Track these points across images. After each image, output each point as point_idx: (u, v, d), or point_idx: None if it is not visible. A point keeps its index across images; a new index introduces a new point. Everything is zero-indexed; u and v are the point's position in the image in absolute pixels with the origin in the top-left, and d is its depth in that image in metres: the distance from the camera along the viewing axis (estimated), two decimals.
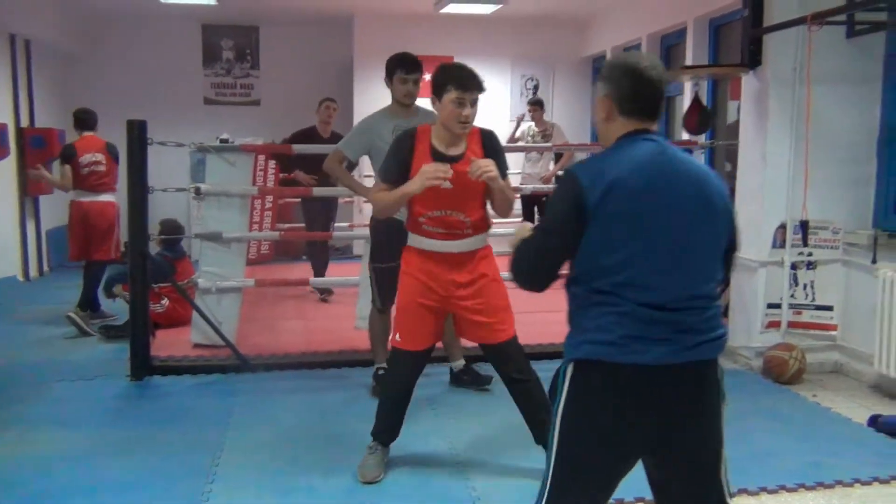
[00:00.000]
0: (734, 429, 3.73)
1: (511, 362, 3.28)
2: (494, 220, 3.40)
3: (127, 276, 4.91)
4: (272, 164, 8.33)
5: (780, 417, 4.09)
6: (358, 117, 9.20)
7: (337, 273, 7.00)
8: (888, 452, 3.61)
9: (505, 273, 2.47)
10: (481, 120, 3.33)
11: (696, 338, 1.84)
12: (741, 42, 4.97)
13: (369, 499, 3.15)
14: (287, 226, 8.94)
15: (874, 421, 3.90)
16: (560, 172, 7.51)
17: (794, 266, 4.86)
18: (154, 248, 5.64)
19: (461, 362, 4.53)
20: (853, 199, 4.87)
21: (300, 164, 6.73)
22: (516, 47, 9.40)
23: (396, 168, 3.24)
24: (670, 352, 1.81)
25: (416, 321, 3.26)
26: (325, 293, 6.92)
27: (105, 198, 5.96)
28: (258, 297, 6.75)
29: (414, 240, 3.31)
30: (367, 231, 4.57)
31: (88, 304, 5.94)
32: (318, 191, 6.44)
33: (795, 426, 3.96)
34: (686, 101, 6.28)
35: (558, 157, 8.04)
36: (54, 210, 8.21)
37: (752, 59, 4.86)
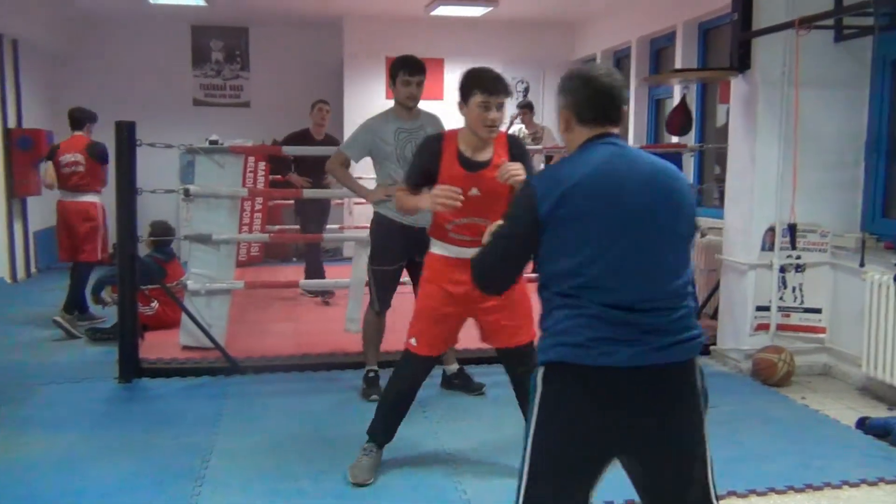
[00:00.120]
0: (723, 431, 3.79)
1: (526, 364, 3.28)
2: None
3: (116, 278, 4.88)
4: (262, 165, 8.31)
5: (768, 420, 4.11)
6: (348, 119, 9.28)
7: (333, 275, 6.96)
8: (876, 454, 3.63)
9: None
10: None
11: (664, 339, 1.83)
12: (730, 46, 4.99)
13: (359, 502, 3.13)
14: (277, 228, 8.93)
15: (862, 423, 3.93)
16: None
17: (782, 269, 4.88)
18: (144, 250, 5.62)
19: (455, 366, 4.53)
20: (841, 203, 4.90)
21: (295, 167, 6.73)
22: (507, 50, 9.41)
23: (419, 171, 3.26)
24: (638, 353, 1.81)
25: (435, 328, 3.27)
26: (326, 295, 6.86)
27: (86, 198, 5.91)
28: (247, 300, 6.73)
29: (439, 246, 3.28)
30: (357, 233, 4.58)
31: (75, 306, 5.90)
32: (309, 193, 6.45)
33: (784, 428, 3.98)
34: (675, 104, 6.30)
35: (549, 159, 8.05)
36: (42, 211, 8.16)
37: (741, 62, 4.89)
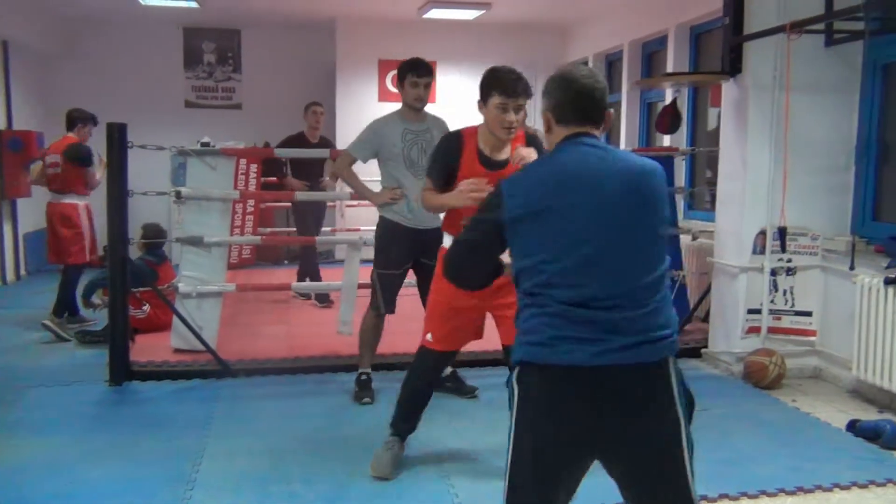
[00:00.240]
0: (714, 434, 3.81)
1: None
2: None
3: (107, 281, 4.86)
4: (254, 168, 8.28)
5: (759, 422, 4.12)
6: (340, 122, 9.27)
7: (326, 278, 6.92)
8: (866, 457, 3.64)
9: None
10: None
11: (629, 338, 1.80)
12: (721, 50, 5.01)
13: None
14: (269, 230, 8.90)
15: (852, 426, 3.94)
16: None
17: (773, 272, 4.90)
18: (135, 253, 5.59)
19: (448, 369, 4.52)
20: (832, 206, 4.92)
21: (292, 170, 6.72)
22: (499, 53, 9.37)
23: (443, 169, 3.27)
24: (600, 352, 1.79)
25: (448, 323, 3.29)
26: (325, 301, 6.82)
27: (66, 200, 5.87)
28: (239, 302, 6.71)
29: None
30: (349, 236, 4.57)
31: (65, 308, 5.86)
32: (301, 196, 6.43)
33: (775, 431, 3.99)
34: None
35: None
36: (32, 213, 8.11)
37: (733, 66, 4.91)
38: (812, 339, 4.92)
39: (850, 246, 4.54)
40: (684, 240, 6.09)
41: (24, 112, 8.41)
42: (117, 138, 4.66)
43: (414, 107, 4.17)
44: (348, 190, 7.28)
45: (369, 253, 5.58)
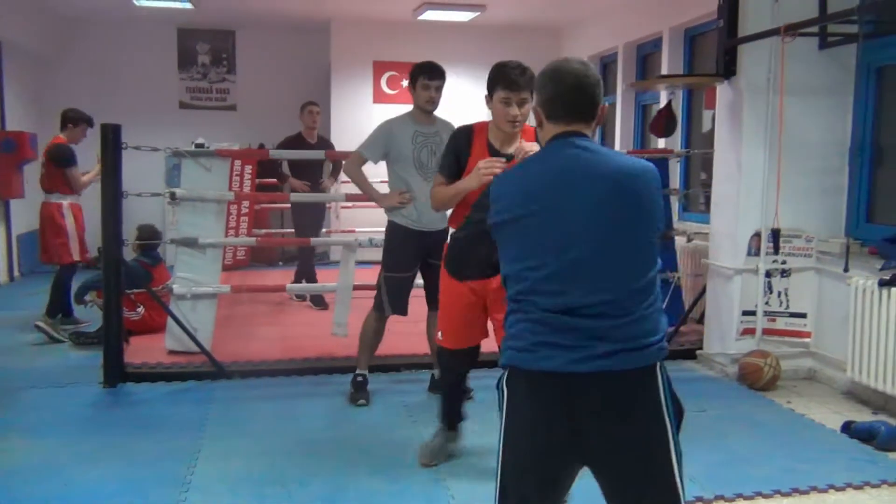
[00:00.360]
0: (710, 435, 3.82)
1: None
2: None
3: (101, 283, 4.84)
4: (248, 169, 8.28)
5: (755, 424, 4.12)
6: (335, 123, 9.26)
7: (322, 279, 6.91)
8: (861, 458, 3.65)
9: None
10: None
11: (611, 345, 1.75)
12: (716, 52, 5.02)
13: None
14: (263, 231, 8.90)
15: (847, 427, 3.95)
16: None
17: (768, 274, 4.91)
18: (130, 254, 5.57)
19: None
20: (826, 208, 4.94)
21: (293, 171, 6.71)
22: (494, 55, 9.33)
23: (454, 162, 3.30)
24: (579, 359, 1.75)
25: (455, 321, 3.34)
26: (321, 304, 6.79)
27: (51, 199, 5.84)
28: (234, 304, 6.69)
29: None
30: (344, 237, 4.57)
31: (58, 309, 5.82)
32: (296, 198, 6.43)
33: (770, 432, 4.00)
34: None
35: None
36: (25, 214, 8.08)
37: (727, 68, 4.92)
38: (806, 340, 4.93)
39: (845, 248, 4.55)
40: (679, 242, 6.11)
41: (18, 113, 8.38)
42: (111, 139, 4.65)
43: (425, 109, 4.18)
44: (343, 191, 7.33)
45: (364, 255, 5.60)
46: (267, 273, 8.53)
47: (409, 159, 4.15)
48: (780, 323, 4.95)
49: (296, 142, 6.67)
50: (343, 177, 7.22)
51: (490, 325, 3.39)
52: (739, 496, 3.22)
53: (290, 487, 3.27)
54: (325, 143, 6.97)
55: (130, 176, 4.86)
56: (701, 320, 5.54)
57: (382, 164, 4.31)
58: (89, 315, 5.93)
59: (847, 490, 3.31)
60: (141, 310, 5.65)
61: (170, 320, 5.00)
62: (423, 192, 3.95)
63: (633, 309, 1.79)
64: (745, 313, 4.94)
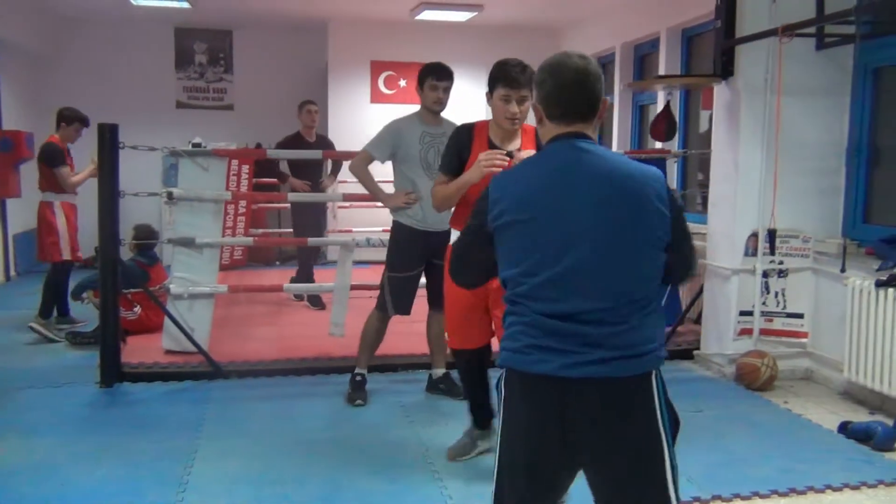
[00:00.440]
0: (707, 436, 3.82)
1: None
2: None
3: (98, 282, 4.83)
4: (245, 169, 8.27)
5: (752, 424, 4.13)
6: (332, 123, 9.25)
7: (320, 279, 6.89)
8: (858, 458, 3.66)
9: None
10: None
11: (607, 353, 1.73)
12: (713, 52, 5.03)
13: None
14: (261, 231, 8.89)
15: (844, 427, 3.96)
16: None
17: (765, 274, 4.92)
18: (127, 254, 5.56)
19: (441, 370, 4.52)
20: (823, 209, 4.95)
21: (293, 171, 6.68)
22: (491, 55, 9.33)
23: (455, 159, 3.32)
24: (572, 364, 1.73)
25: (459, 321, 3.36)
26: (318, 305, 6.79)
27: (43, 198, 5.83)
28: (231, 303, 6.68)
29: None
30: (341, 237, 4.56)
31: (51, 309, 5.78)
32: (294, 196, 6.42)
33: (767, 433, 4.00)
34: (660, 110, 6.34)
35: None
36: (22, 213, 8.06)
37: (725, 69, 4.93)
38: (803, 340, 4.94)
39: (841, 248, 4.56)
40: None
41: (15, 112, 8.35)
42: (108, 139, 4.64)
43: (432, 110, 4.18)
44: (341, 191, 7.32)
45: (361, 255, 5.59)
46: (264, 273, 8.52)
47: (417, 159, 4.15)
48: (777, 323, 4.95)
49: (295, 141, 6.65)
50: (342, 176, 7.24)
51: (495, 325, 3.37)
52: (737, 496, 3.22)
53: (288, 487, 3.26)
54: (324, 142, 6.95)
55: (127, 175, 4.84)
56: (698, 320, 5.55)
57: (381, 165, 4.31)
58: (86, 315, 5.92)
59: (844, 490, 3.32)
60: (138, 309, 5.64)
61: (167, 320, 4.99)
62: (430, 192, 3.96)
63: (631, 317, 1.76)
64: (743, 313, 4.95)
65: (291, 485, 3.29)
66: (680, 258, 1.93)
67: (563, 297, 1.76)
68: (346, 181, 7.48)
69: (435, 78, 4.13)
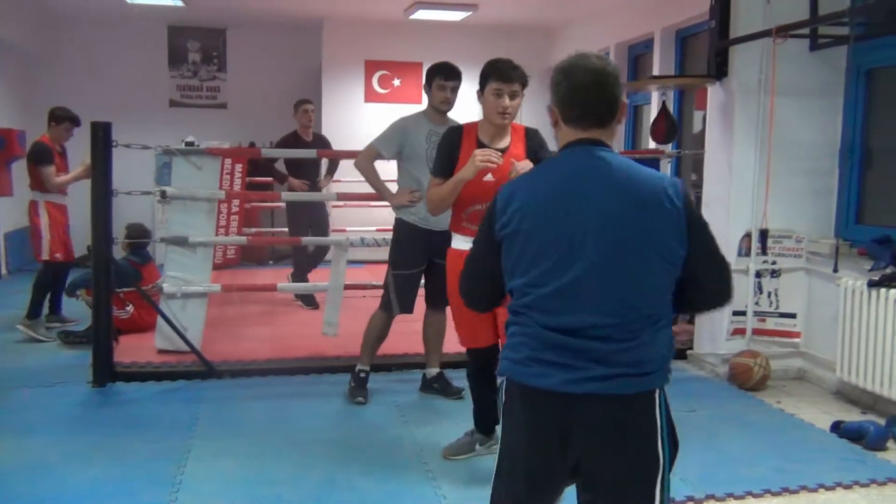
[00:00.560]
0: (700, 435, 3.82)
1: None
2: None
3: (90, 281, 4.81)
4: (238, 167, 8.25)
5: (745, 423, 4.14)
6: (327, 122, 9.23)
7: (313, 279, 6.87)
8: (850, 458, 3.67)
9: None
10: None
11: (610, 370, 1.68)
12: (708, 53, 5.04)
13: None
14: (254, 230, 8.87)
15: (836, 427, 3.97)
16: None
17: (758, 274, 4.93)
18: (119, 253, 5.54)
19: (435, 370, 4.52)
20: (816, 209, 4.96)
21: (291, 170, 6.66)
22: (486, 54, 9.31)
23: (446, 160, 3.33)
24: (574, 380, 1.68)
25: (466, 321, 3.37)
26: (310, 302, 6.77)
27: (31, 197, 5.80)
28: (224, 303, 6.66)
29: (458, 240, 3.38)
30: (336, 236, 4.54)
31: (38, 310, 5.73)
32: (288, 195, 6.41)
33: (760, 432, 4.01)
34: (653, 110, 6.36)
35: None
36: (14, 212, 8.02)
37: (719, 70, 4.94)
38: (796, 340, 4.95)
39: (834, 248, 4.58)
40: None
41: (7, 110, 8.31)
42: (102, 137, 4.62)
43: (440, 109, 4.18)
44: (335, 191, 7.30)
45: (355, 254, 5.60)
46: (257, 272, 8.50)
47: (423, 158, 4.14)
48: (770, 323, 4.97)
49: (292, 140, 6.63)
50: (335, 175, 7.23)
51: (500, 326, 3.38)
52: (730, 496, 3.23)
53: (281, 487, 3.26)
54: (321, 141, 6.93)
55: (118, 174, 4.82)
56: (691, 320, 5.55)
57: (380, 164, 4.30)
58: (77, 313, 5.89)
59: (837, 489, 3.33)
60: (130, 308, 5.62)
61: (160, 319, 4.97)
62: None
63: (640, 333, 1.70)
64: (736, 313, 4.96)
65: (285, 485, 3.28)
66: (706, 278, 1.81)
67: (570, 310, 1.71)
68: (340, 180, 7.48)
69: (443, 78, 4.13)
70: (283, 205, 7.70)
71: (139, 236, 5.85)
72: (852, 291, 4.34)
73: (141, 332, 5.52)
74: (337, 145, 7.24)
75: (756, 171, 4.87)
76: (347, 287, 5.07)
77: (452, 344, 4.44)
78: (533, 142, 3.37)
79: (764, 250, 4.89)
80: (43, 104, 6.26)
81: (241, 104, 9.95)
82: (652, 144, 6.94)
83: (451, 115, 4.25)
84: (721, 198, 5.04)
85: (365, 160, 4.28)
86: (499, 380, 1.88)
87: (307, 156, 6.32)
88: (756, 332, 4.96)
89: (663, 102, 5.98)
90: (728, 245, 4.93)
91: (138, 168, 7.25)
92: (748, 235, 4.92)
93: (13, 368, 4.95)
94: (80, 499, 3.13)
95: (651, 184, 1.74)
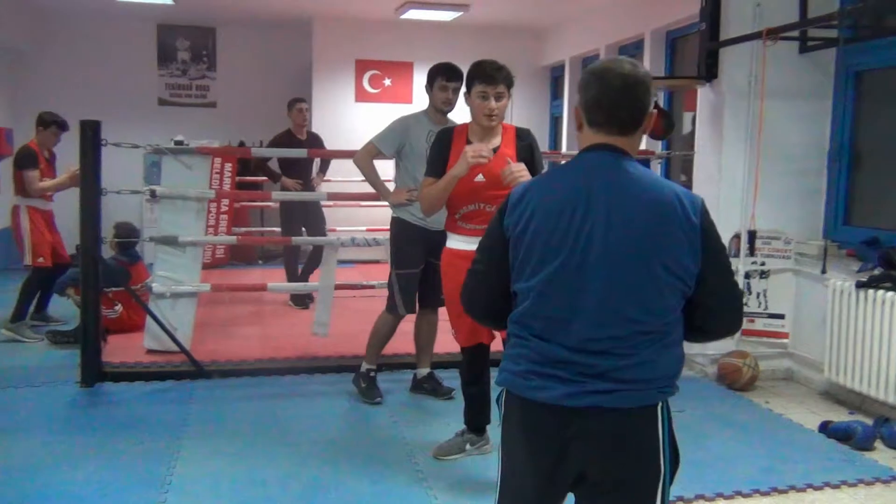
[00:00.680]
0: (690, 435, 3.83)
1: None
2: None
3: (79, 280, 4.78)
4: (228, 167, 8.22)
5: (734, 424, 4.16)
6: (316, 122, 9.20)
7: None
8: (838, 458, 3.70)
9: None
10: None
11: (610, 384, 1.64)
12: (698, 55, 5.06)
13: None
14: (243, 230, 8.84)
15: (825, 427, 4.00)
16: None
17: (747, 275, 4.96)
18: (108, 252, 5.51)
19: (426, 370, 4.51)
20: (805, 211, 5.00)
21: (284, 170, 6.62)
22: (476, 55, 9.31)
23: (440, 161, 3.34)
24: (574, 393, 1.65)
25: (460, 319, 3.36)
26: (300, 302, 6.74)
27: (12, 200, 5.76)
28: (212, 302, 6.64)
29: (452, 240, 3.39)
30: (325, 237, 4.52)
31: (22, 314, 5.67)
32: (278, 195, 6.39)
33: (749, 432, 4.04)
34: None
35: None
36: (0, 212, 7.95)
37: (709, 71, 4.96)
38: (784, 341, 4.98)
39: (822, 250, 4.61)
40: None
41: None
42: (91, 136, 4.59)
43: (441, 110, 4.17)
44: (325, 190, 7.27)
45: (346, 254, 5.58)
46: (246, 272, 8.47)
47: (422, 157, 4.12)
48: (759, 324, 4.99)
49: (286, 139, 6.60)
50: (327, 175, 7.21)
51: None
52: (720, 495, 3.25)
53: (271, 488, 3.25)
54: (315, 140, 6.90)
55: (106, 173, 4.79)
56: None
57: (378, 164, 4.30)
58: (65, 313, 5.85)
59: (825, 489, 3.35)
60: (119, 308, 5.59)
61: (149, 319, 4.95)
62: None
63: (641, 349, 1.66)
64: None
65: (275, 485, 3.27)
66: (716, 301, 1.75)
67: (570, 320, 1.67)
68: (330, 180, 7.47)
69: (445, 78, 4.12)
70: (272, 204, 7.68)
71: (128, 235, 5.81)
72: (840, 292, 4.37)
73: (130, 331, 5.49)
74: (327, 145, 7.22)
75: (745, 172, 4.90)
76: (338, 287, 5.06)
77: (443, 345, 4.46)
78: (524, 141, 3.37)
79: (752, 251, 4.91)
80: (30, 103, 6.23)
81: (231, 103, 9.90)
82: (643, 144, 6.97)
83: (451, 115, 4.24)
84: (710, 199, 4.99)
85: (364, 157, 4.28)
86: (498, 390, 1.85)
87: (299, 155, 6.29)
88: (745, 332, 4.99)
89: (655, 101, 5.99)
90: None
91: (125, 167, 7.21)
92: (737, 236, 4.94)
93: (0, 368, 4.90)
94: (68, 500, 3.11)
95: (667, 196, 1.68)
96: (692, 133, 5.69)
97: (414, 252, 4.20)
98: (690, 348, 5.15)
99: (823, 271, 4.54)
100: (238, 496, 3.17)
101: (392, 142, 4.20)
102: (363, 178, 4.39)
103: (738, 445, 3.83)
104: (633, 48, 7.73)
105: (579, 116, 1.79)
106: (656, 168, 6.95)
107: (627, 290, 1.65)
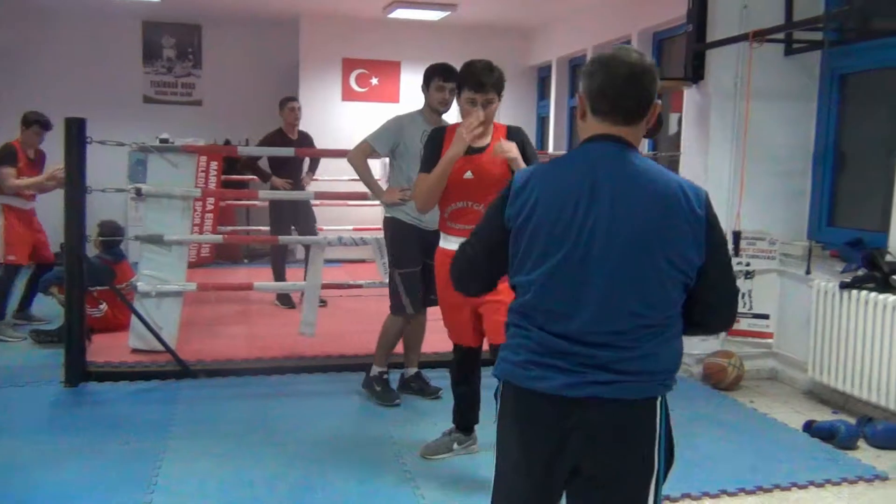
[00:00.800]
0: (676, 435, 3.83)
1: None
2: None
3: (63, 279, 4.74)
4: (214, 165, 8.18)
5: (719, 423, 4.19)
6: (304, 120, 9.10)
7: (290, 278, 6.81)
8: (822, 457, 3.73)
9: None
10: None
11: (610, 376, 1.64)
12: (685, 56, 5.09)
13: None
14: (229, 229, 8.79)
15: (809, 426, 4.03)
16: None
17: None
18: (92, 251, 5.46)
19: (413, 370, 4.51)
20: (789, 212, 5.03)
21: (273, 169, 6.58)
22: (464, 54, 9.30)
23: (434, 157, 3.32)
24: (573, 384, 1.65)
25: (452, 319, 3.39)
26: (286, 302, 6.72)
27: None
28: (197, 302, 6.60)
29: (444, 240, 3.38)
30: (312, 236, 4.50)
31: (2, 313, 5.65)
32: (266, 194, 6.36)
33: (734, 432, 4.06)
34: None
35: None
36: None
37: (695, 73, 4.99)
38: (769, 341, 5.02)
39: (807, 251, 4.65)
40: None
41: None
42: (75, 133, 4.55)
43: (437, 110, 4.16)
44: (313, 189, 7.24)
45: (333, 253, 5.56)
46: (231, 271, 8.43)
47: (416, 157, 4.10)
48: (744, 324, 5.03)
49: (278, 138, 6.56)
50: (315, 174, 7.18)
51: (484, 328, 3.35)
52: (706, 494, 3.27)
53: (258, 488, 3.24)
54: (306, 139, 6.87)
55: (90, 171, 4.75)
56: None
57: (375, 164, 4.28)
58: (49, 312, 5.80)
59: (809, 488, 3.38)
60: (104, 307, 5.55)
61: (134, 318, 4.91)
62: None
63: (643, 342, 1.66)
64: None
65: (262, 486, 3.26)
66: (716, 296, 1.75)
67: (573, 313, 1.66)
68: (317, 178, 7.44)
69: (442, 79, 4.10)
70: (258, 203, 7.64)
71: (112, 234, 5.76)
72: (824, 293, 4.40)
73: (114, 331, 5.45)
74: (315, 143, 7.19)
75: (731, 173, 4.93)
76: (325, 286, 5.05)
77: (431, 344, 4.46)
78: (515, 139, 3.36)
79: (738, 252, 4.94)
80: (14, 100, 6.17)
81: (217, 101, 9.85)
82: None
83: (445, 115, 4.24)
84: None
85: (358, 155, 4.26)
86: (486, 375, 1.86)
87: (287, 154, 6.26)
88: (730, 332, 5.00)
89: (660, 92, 6.02)
90: None
91: (109, 165, 7.14)
92: None
93: None
94: (52, 500, 3.09)
95: (672, 188, 1.67)
96: (678, 134, 5.71)
97: (412, 250, 4.18)
98: None
99: (808, 272, 4.58)
100: (225, 496, 3.16)
101: (387, 141, 4.19)
102: (350, 178, 4.37)
103: (724, 445, 3.86)
104: None
105: (583, 104, 1.76)
106: None
107: (631, 283, 1.64)
